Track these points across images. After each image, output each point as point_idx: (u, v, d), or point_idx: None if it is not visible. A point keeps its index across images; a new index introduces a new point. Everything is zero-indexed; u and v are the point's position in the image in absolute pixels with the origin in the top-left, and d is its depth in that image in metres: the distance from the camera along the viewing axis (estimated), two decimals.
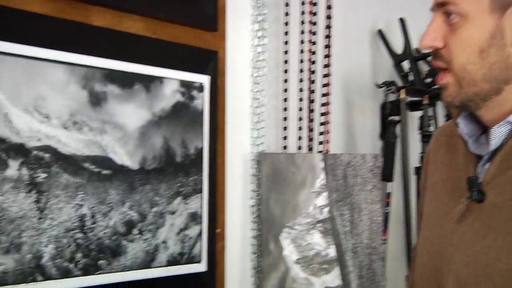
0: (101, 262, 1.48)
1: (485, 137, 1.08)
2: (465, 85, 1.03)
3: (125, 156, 1.54)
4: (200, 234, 1.72)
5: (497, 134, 1.03)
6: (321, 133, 2.11)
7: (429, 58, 2.13)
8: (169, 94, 1.65)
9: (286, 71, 2.04)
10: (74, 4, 1.46)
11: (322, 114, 2.12)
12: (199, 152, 1.73)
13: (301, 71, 2.07)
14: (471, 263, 1.02)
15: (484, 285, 0.99)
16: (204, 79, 1.74)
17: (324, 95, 2.12)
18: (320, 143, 2.11)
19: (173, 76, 1.66)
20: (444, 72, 1.06)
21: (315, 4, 2.08)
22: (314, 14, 2.08)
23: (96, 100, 1.48)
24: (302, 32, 2.07)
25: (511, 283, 0.96)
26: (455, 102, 1.06)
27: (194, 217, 1.71)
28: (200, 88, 1.73)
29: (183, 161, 1.68)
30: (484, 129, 1.09)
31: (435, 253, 1.12)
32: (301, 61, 2.07)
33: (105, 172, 1.50)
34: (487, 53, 1.00)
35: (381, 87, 2.27)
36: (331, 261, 1.98)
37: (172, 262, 1.64)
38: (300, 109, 2.07)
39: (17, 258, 1.32)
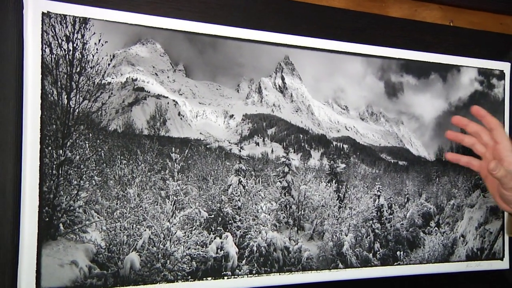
0: (399, 253, 1.38)
1: None
2: None
3: (421, 147, 1.43)
4: (501, 229, 1.52)
5: None
6: None
7: None
8: (467, 83, 1.48)
9: None
10: None
11: None
12: None
13: None
14: None
15: None
16: (505, 66, 1.53)
17: None
18: None
19: (471, 64, 1.48)
20: None
21: None
22: None
23: (392, 91, 1.39)
24: None
25: None
26: None
27: (495, 211, 1.51)
28: (501, 76, 1.53)
29: None
30: None
31: None
32: None
33: (401, 163, 1.40)
34: None
35: None
36: None
37: (471, 257, 1.47)
38: None
39: (319, 245, 1.28)
